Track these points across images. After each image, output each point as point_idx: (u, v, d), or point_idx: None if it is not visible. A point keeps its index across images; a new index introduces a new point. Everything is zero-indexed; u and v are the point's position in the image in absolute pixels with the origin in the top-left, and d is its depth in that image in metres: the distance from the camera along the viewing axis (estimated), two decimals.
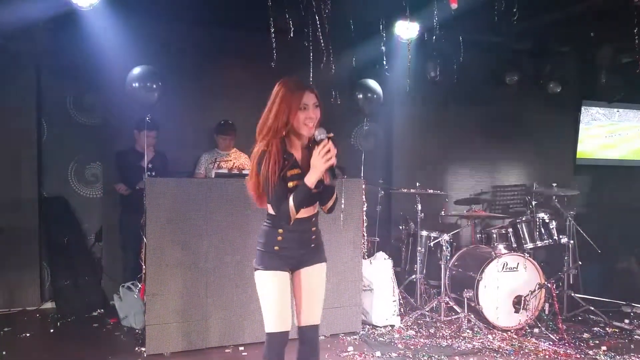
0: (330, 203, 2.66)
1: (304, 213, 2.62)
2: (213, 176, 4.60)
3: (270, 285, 2.63)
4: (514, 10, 4.09)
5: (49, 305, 5.60)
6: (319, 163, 2.46)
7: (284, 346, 2.66)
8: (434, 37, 5.02)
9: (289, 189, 2.53)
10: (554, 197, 5.71)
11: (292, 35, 4.45)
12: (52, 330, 4.90)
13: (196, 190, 4.29)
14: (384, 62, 5.32)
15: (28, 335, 4.72)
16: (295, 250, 2.66)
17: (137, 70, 4.84)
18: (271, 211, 2.63)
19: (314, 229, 2.71)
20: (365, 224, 4.89)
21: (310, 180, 2.48)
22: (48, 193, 5.80)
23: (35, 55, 5.47)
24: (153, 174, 5.15)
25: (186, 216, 4.24)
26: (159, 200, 4.17)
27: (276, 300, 2.62)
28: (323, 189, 2.59)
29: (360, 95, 5.62)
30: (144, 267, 4.19)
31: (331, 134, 2.53)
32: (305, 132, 2.56)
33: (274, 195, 2.52)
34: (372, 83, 5.66)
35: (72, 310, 5.30)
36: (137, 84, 4.81)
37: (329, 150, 2.47)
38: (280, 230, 2.62)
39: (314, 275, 2.72)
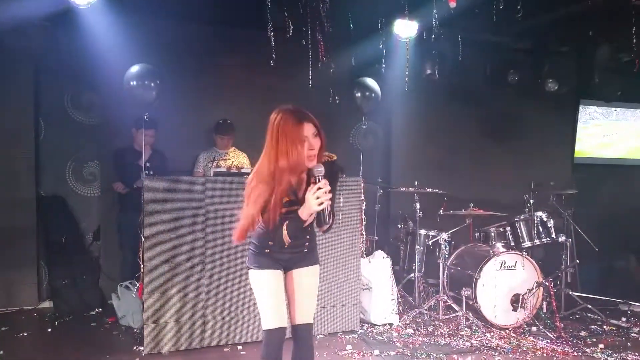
0: (325, 227, 2.62)
1: None
2: (212, 175, 4.59)
3: (263, 283, 2.68)
4: (518, 7, 4.08)
5: (46, 304, 5.58)
6: (312, 203, 2.45)
7: (281, 344, 2.67)
8: (433, 36, 5.02)
9: (282, 214, 2.54)
10: (551, 196, 5.72)
11: (290, 33, 4.45)
12: (49, 330, 4.88)
13: (194, 189, 4.28)
14: (383, 61, 5.32)
15: (25, 334, 4.71)
16: (285, 254, 2.71)
17: (135, 69, 4.83)
18: None
19: (308, 237, 2.75)
20: (364, 223, 4.89)
21: (304, 214, 2.50)
22: (45, 192, 5.78)
23: (33, 53, 5.43)
24: (151, 172, 5.14)
25: (184, 215, 4.23)
26: (157, 199, 4.15)
27: (270, 296, 2.66)
28: (316, 218, 2.59)
29: (359, 94, 5.61)
30: (141, 266, 4.19)
31: (334, 157, 2.59)
32: (308, 165, 2.53)
33: (272, 224, 2.52)
34: (370, 82, 5.66)
35: (70, 309, 5.28)
36: (134, 82, 4.80)
37: (324, 192, 2.45)
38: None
39: (306, 276, 2.77)
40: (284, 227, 2.54)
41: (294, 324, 2.76)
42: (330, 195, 2.48)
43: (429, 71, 6.09)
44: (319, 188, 2.44)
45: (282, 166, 2.46)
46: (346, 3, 4.84)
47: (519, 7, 4.14)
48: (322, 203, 2.44)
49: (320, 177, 2.47)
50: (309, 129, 2.51)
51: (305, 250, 2.76)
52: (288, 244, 2.59)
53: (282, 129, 2.47)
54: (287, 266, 2.75)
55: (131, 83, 4.79)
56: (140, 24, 5.37)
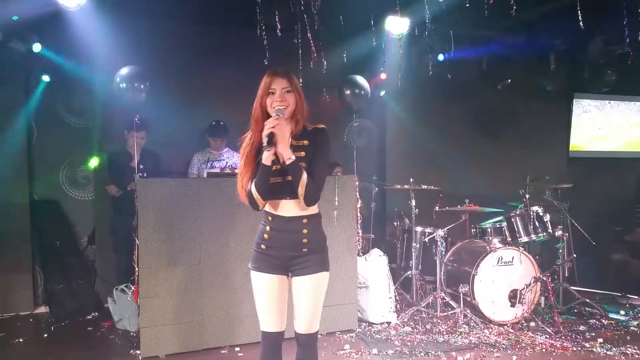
0: (300, 189, 2.48)
1: (290, 211, 2.57)
2: (205, 176, 4.57)
3: (258, 287, 2.62)
4: (511, 2, 4.04)
5: (42, 309, 5.55)
6: (263, 135, 2.46)
7: (278, 346, 2.65)
8: (425, 33, 4.99)
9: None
10: (547, 190, 5.71)
11: (280, 33, 4.41)
12: (46, 335, 4.85)
13: (188, 191, 4.25)
14: (376, 59, 5.30)
15: (21, 340, 4.67)
16: (282, 251, 2.58)
17: (124, 71, 4.83)
18: (265, 208, 2.62)
19: (305, 231, 2.58)
20: (359, 221, 4.87)
21: (264, 156, 2.46)
22: (39, 196, 5.73)
23: (24, 56, 5.39)
24: (144, 174, 5.11)
25: (178, 217, 4.20)
26: (151, 201, 4.13)
27: (262, 303, 2.62)
28: (284, 168, 2.51)
29: (348, 91, 5.59)
30: (136, 269, 4.16)
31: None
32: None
33: (248, 182, 2.54)
34: (360, 79, 5.64)
35: (66, 314, 5.24)
36: (124, 85, 4.80)
37: (272, 120, 2.47)
38: (268, 228, 2.59)
39: (306, 287, 2.60)
40: (252, 184, 2.52)
41: (296, 332, 2.67)
42: (277, 122, 2.44)
43: (423, 68, 6.02)
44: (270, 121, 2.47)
45: (252, 116, 2.58)
46: (337, 0, 4.81)
47: (511, 2, 4.10)
48: (269, 129, 2.42)
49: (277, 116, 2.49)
50: (279, 83, 2.55)
51: (305, 249, 2.58)
52: (262, 205, 2.55)
53: (261, 84, 2.58)
54: (287, 269, 2.61)
55: (120, 85, 4.79)
56: (130, 26, 5.33)
